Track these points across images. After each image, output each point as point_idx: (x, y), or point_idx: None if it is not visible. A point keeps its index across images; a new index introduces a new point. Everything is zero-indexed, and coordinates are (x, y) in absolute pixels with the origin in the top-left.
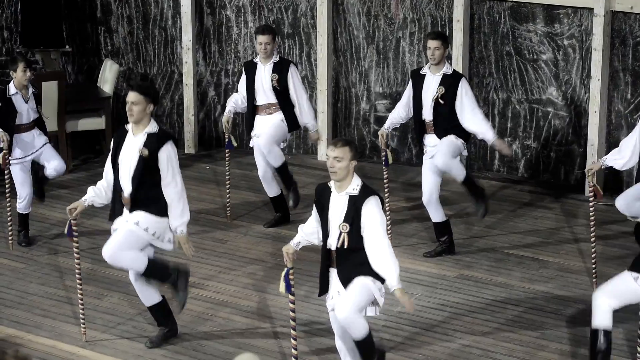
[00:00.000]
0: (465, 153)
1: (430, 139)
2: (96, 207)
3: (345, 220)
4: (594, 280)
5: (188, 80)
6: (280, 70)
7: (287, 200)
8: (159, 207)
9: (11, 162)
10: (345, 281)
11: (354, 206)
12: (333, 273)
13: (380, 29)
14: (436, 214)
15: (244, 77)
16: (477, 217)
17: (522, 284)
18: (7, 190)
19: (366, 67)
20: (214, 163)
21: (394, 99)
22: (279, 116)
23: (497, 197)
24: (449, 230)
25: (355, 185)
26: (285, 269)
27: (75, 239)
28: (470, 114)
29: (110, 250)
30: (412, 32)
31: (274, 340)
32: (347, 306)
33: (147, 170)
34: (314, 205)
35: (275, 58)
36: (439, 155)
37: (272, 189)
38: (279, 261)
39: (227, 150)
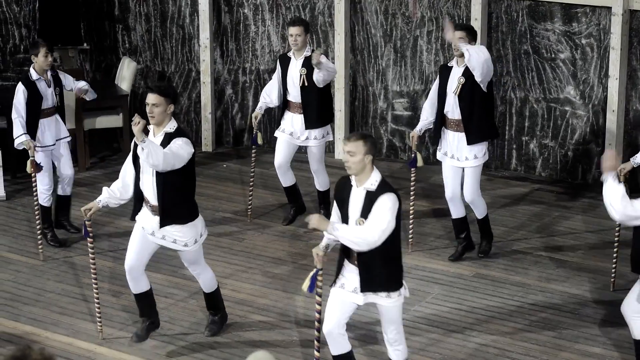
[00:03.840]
0: (486, 157)
1: (448, 135)
2: (112, 207)
3: (362, 216)
4: (612, 280)
5: (205, 79)
6: (309, 64)
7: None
8: (187, 213)
9: (35, 149)
10: (367, 285)
11: (370, 202)
12: (349, 267)
13: (398, 28)
14: (458, 210)
15: (277, 71)
16: (476, 252)
17: (539, 283)
18: (34, 195)
19: (383, 66)
20: (231, 161)
21: (412, 97)
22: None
23: (514, 196)
24: (467, 226)
25: (374, 180)
26: (315, 269)
27: (90, 239)
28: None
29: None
30: (429, 31)
31: (290, 339)
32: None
33: (167, 172)
34: (334, 201)
35: (307, 52)
36: (467, 187)
37: (287, 178)
38: (296, 259)
39: (253, 147)
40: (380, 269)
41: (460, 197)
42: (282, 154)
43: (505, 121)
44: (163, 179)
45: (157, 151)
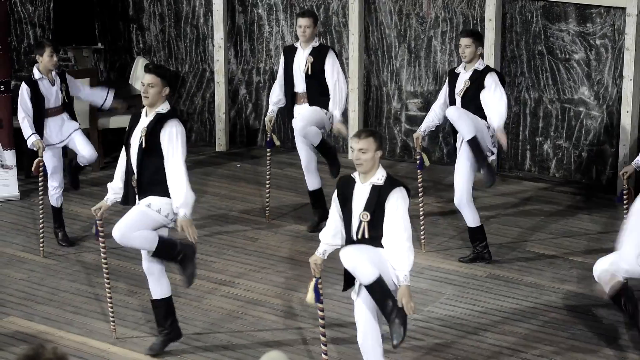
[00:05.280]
0: (494, 158)
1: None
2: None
3: (366, 209)
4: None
5: (219, 79)
6: (318, 54)
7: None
8: (166, 189)
9: (45, 149)
10: None
11: (377, 196)
12: None
13: (412, 28)
14: (469, 217)
15: (282, 64)
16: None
17: (553, 284)
18: (40, 189)
19: (397, 66)
20: (245, 161)
21: (425, 98)
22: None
23: (528, 196)
24: (483, 235)
25: (380, 175)
26: (314, 279)
27: (101, 238)
28: (491, 97)
29: (121, 230)
30: (443, 31)
31: (303, 339)
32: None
33: (151, 150)
34: (335, 201)
35: (315, 43)
36: (456, 187)
37: (313, 181)
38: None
39: (268, 150)
40: None
41: (469, 203)
42: (306, 153)
43: (519, 122)
44: (142, 154)
45: (189, 195)
